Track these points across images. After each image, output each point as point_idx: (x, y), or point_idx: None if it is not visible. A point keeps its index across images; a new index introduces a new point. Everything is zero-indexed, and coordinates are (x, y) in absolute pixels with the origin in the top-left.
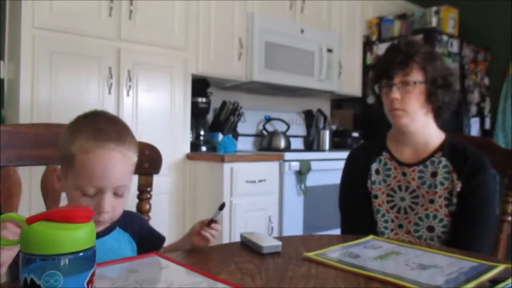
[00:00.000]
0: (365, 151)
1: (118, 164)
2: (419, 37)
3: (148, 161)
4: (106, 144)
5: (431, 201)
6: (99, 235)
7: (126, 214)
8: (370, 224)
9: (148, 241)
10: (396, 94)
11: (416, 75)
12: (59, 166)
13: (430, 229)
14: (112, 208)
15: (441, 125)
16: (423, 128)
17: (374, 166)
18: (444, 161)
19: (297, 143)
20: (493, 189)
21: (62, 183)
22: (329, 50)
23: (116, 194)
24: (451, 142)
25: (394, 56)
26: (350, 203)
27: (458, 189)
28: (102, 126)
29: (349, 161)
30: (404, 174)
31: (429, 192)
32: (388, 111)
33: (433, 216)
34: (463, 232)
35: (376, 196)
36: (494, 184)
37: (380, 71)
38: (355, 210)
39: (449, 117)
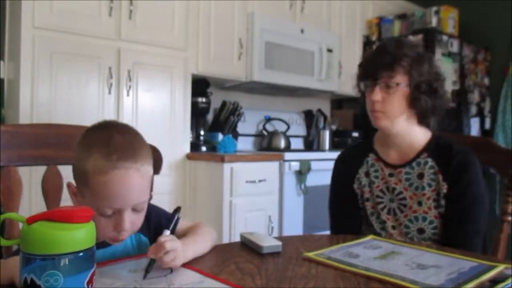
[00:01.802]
0: (353, 154)
1: (135, 184)
2: (419, 37)
3: None
4: (121, 164)
5: (419, 203)
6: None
7: None
8: (358, 227)
9: (158, 231)
10: (377, 96)
11: (401, 79)
12: (73, 181)
13: (420, 231)
14: (132, 224)
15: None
16: (405, 131)
17: (363, 169)
18: (430, 161)
19: (297, 143)
20: (481, 187)
21: (78, 199)
22: (329, 50)
23: (135, 209)
24: (437, 142)
25: (381, 57)
26: (339, 205)
27: (445, 190)
28: (115, 143)
29: (336, 165)
30: (391, 175)
31: (416, 194)
32: (369, 111)
33: (422, 218)
34: (454, 234)
35: (367, 199)
36: (482, 182)
37: (366, 71)
38: (343, 213)
39: (436, 122)
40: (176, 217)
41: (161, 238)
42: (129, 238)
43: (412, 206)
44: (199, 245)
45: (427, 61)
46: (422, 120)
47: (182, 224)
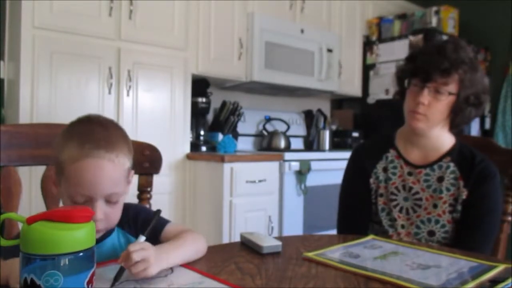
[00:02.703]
0: (372, 149)
1: (107, 173)
2: (419, 37)
3: (148, 161)
4: (93, 153)
5: (435, 206)
6: (99, 240)
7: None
8: (366, 223)
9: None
10: (425, 99)
11: (454, 88)
12: (54, 172)
13: (431, 233)
14: (106, 216)
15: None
16: (436, 135)
17: (381, 164)
18: (452, 166)
19: (297, 143)
20: (498, 199)
21: (57, 189)
22: (329, 50)
23: (109, 201)
24: (461, 148)
25: (439, 60)
26: (351, 197)
27: (464, 196)
28: (90, 133)
29: (353, 158)
30: (410, 174)
31: (433, 196)
32: (409, 110)
33: (435, 221)
34: (465, 240)
35: (381, 195)
36: (500, 194)
37: (419, 69)
38: (355, 205)
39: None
40: (153, 222)
41: (131, 248)
42: (116, 236)
43: (427, 207)
44: (178, 253)
45: (479, 69)
46: (455, 127)
47: (171, 227)
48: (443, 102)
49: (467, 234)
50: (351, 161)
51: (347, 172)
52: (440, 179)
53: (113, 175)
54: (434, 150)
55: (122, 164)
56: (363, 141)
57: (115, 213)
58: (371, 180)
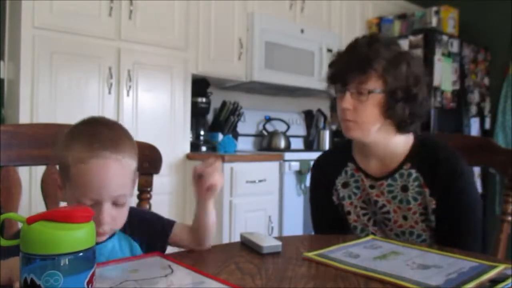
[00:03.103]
0: (329, 164)
1: (115, 174)
2: (419, 37)
3: (148, 161)
4: (100, 154)
5: (405, 218)
6: (100, 241)
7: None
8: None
9: (151, 235)
10: (347, 103)
11: (374, 84)
12: (59, 174)
13: None
14: (113, 218)
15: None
16: (383, 140)
17: (340, 180)
18: (414, 173)
19: (297, 143)
20: (474, 193)
21: (62, 192)
22: (329, 50)
23: (116, 203)
24: (421, 148)
25: (352, 59)
26: (323, 219)
27: (433, 206)
28: (96, 134)
29: (314, 174)
30: (372, 187)
31: (401, 207)
32: (340, 120)
33: (409, 233)
34: (452, 245)
35: (349, 213)
36: (472, 186)
37: (336, 75)
38: (329, 225)
39: (416, 128)
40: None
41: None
42: (117, 239)
43: (397, 220)
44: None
45: (404, 62)
46: (400, 129)
47: (182, 226)
48: (368, 103)
49: (454, 238)
50: (311, 180)
51: (310, 193)
52: (404, 188)
53: (120, 176)
54: (390, 157)
55: (129, 165)
56: (321, 153)
57: (122, 216)
58: (334, 198)
